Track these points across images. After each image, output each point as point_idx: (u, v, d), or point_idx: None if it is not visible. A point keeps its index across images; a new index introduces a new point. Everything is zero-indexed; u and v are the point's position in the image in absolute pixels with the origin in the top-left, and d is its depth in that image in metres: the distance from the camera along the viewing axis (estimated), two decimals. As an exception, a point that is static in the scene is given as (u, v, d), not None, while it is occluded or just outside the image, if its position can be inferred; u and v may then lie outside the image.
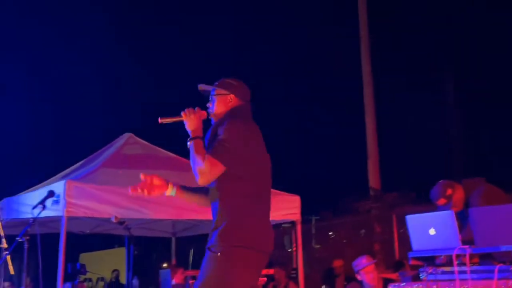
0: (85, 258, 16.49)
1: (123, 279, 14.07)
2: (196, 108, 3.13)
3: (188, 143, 3.01)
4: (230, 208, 3.02)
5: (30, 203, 6.10)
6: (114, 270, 13.65)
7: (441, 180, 4.79)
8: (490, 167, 16.25)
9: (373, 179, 12.41)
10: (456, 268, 3.89)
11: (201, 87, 3.26)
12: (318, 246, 13.92)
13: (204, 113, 3.16)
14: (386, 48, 16.67)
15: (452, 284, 3.96)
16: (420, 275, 4.19)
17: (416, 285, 4.18)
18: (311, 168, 21.13)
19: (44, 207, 4.42)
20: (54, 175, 7.70)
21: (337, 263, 9.81)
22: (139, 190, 3.13)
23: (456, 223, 4.00)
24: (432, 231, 4.08)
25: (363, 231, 12.39)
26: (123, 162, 7.17)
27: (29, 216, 6.06)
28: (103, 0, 21.56)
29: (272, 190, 7.90)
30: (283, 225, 13.46)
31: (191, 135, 3.02)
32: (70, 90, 21.41)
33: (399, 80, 17.66)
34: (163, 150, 8.08)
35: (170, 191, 3.17)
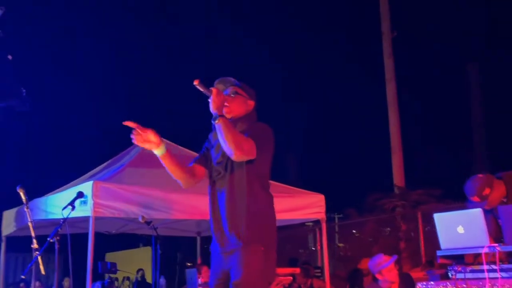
0: (111, 257, 16.68)
1: (149, 278, 14.19)
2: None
3: (216, 121, 3.00)
4: (259, 202, 3.13)
5: (59, 204, 6.18)
6: (139, 270, 13.74)
7: (480, 175, 4.35)
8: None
9: (398, 177, 12.32)
10: (485, 267, 3.85)
11: (225, 81, 3.30)
12: (342, 245, 13.87)
13: (227, 98, 3.23)
14: (409, 43, 16.52)
15: (481, 283, 3.92)
16: (449, 274, 4.14)
17: (445, 283, 4.14)
18: (335, 166, 21.05)
19: (73, 208, 4.48)
20: (81, 175, 7.80)
21: (366, 263, 9.67)
22: (135, 130, 3.08)
23: (484, 221, 3.95)
24: (460, 229, 4.04)
25: (388, 229, 12.30)
26: (148, 162, 7.22)
27: (58, 217, 6.15)
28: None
29: (297, 189, 7.96)
30: (306, 223, 13.44)
31: (217, 113, 3.02)
32: (95, 90, 21.69)
33: (422, 75, 17.49)
34: (185, 149, 8.13)
35: (159, 151, 3.13)
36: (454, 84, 18.12)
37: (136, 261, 15.50)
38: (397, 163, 12.41)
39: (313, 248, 14.41)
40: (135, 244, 18.53)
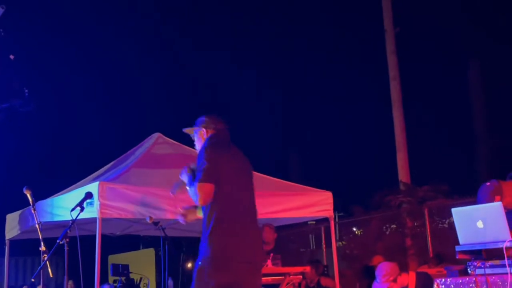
0: (113, 260, 16.52)
1: (151, 279, 14.01)
2: None
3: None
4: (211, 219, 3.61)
5: (65, 205, 6.09)
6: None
7: (488, 183, 4.34)
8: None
9: (403, 173, 12.18)
10: (507, 261, 3.76)
11: (185, 130, 3.99)
12: (344, 243, 13.76)
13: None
14: (412, 41, 16.44)
15: (503, 278, 3.83)
16: (468, 269, 4.05)
17: (464, 279, 4.05)
18: (339, 163, 20.98)
19: (82, 209, 4.39)
20: (85, 177, 7.69)
21: (377, 260, 9.56)
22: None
23: (504, 216, 3.86)
24: (480, 224, 3.94)
25: (393, 226, 12.19)
26: (153, 162, 7.14)
27: (64, 218, 6.06)
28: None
29: (303, 186, 7.84)
30: (309, 222, 13.33)
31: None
32: (98, 91, 21.60)
33: (426, 72, 17.44)
34: (191, 149, 8.01)
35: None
36: (457, 79, 18.07)
37: (138, 263, 15.33)
38: (402, 160, 12.27)
39: (314, 248, 14.32)
40: (135, 246, 18.42)
